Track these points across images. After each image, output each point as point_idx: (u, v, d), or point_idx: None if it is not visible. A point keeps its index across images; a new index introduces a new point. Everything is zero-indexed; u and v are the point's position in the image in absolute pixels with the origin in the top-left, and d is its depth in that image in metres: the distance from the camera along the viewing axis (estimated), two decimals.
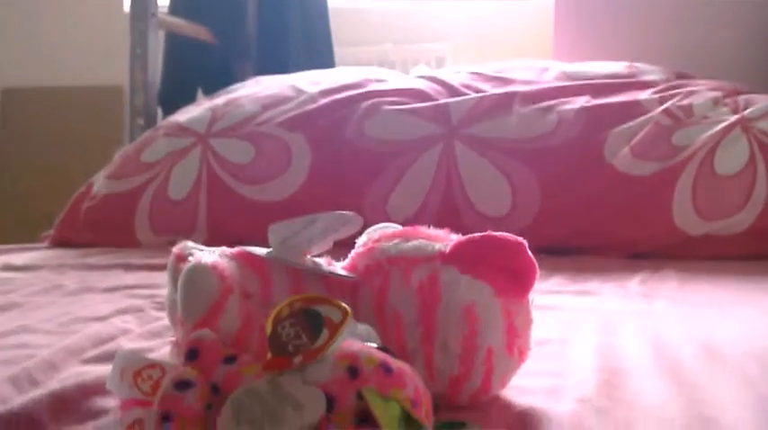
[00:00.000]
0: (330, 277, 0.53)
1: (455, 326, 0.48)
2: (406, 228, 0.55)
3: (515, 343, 0.50)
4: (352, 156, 1.25)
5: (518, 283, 0.50)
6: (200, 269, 0.49)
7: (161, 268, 0.87)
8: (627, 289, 0.91)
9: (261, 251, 0.54)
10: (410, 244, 0.52)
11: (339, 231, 0.54)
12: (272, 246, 0.53)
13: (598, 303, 0.84)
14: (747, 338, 0.67)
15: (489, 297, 0.48)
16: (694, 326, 0.71)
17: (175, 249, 0.55)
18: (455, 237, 0.52)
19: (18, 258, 1.13)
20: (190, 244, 0.55)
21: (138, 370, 0.45)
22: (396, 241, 0.53)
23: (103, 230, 1.29)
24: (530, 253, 0.49)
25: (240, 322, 0.49)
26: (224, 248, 0.54)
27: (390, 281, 0.51)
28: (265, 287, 0.52)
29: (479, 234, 0.50)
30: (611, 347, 0.64)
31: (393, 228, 0.56)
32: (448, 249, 0.50)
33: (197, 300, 0.49)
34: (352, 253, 0.55)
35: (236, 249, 0.54)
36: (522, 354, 0.51)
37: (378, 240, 0.54)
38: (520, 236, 0.50)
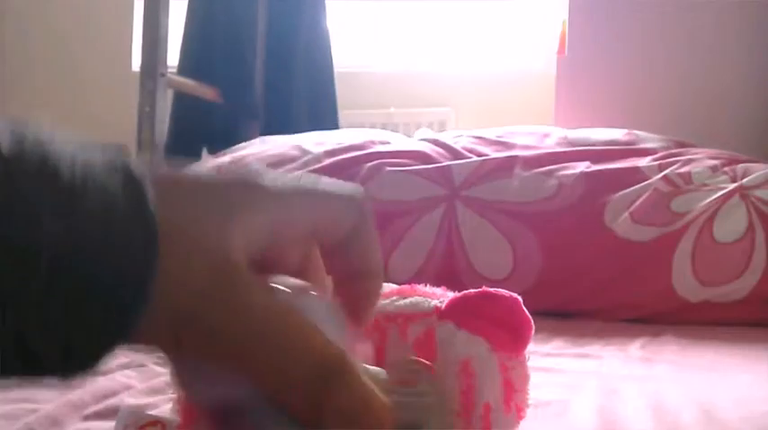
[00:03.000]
0: None
1: (452, 382, 0.48)
2: (403, 286, 0.55)
3: (513, 399, 0.50)
4: None
5: (514, 339, 0.50)
6: None
7: None
8: (627, 353, 0.92)
9: None
10: (407, 301, 0.52)
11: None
12: None
13: (599, 367, 0.85)
14: (745, 403, 0.67)
15: (486, 352, 0.49)
16: (694, 391, 0.71)
17: None
18: (451, 294, 0.53)
19: None
20: None
21: (141, 426, 0.46)
22: (392, 298, 0.53)
23: None
24: (525, 308, 0.50)
25: None
26: None
27: (388, 337, 0.51)
28: None
29: (475, 290, 0.51)
30: (611, 410, 0.64)
31: (390, 287, 0.56)
32: (444, 305, 0.51)
33: None
34: None
35: None
36: (519, 411, 0.51)
37: None
38: (520, 298, 0.51)
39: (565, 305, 1.16)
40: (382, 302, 0.53)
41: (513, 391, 0.50)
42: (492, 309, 0.50)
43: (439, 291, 0.54)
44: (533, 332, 0.50)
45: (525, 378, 0.51)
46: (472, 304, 0.50)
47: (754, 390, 0.74)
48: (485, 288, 0.50)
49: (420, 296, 0.53)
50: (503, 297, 0.50)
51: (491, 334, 0.49)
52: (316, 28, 2.24)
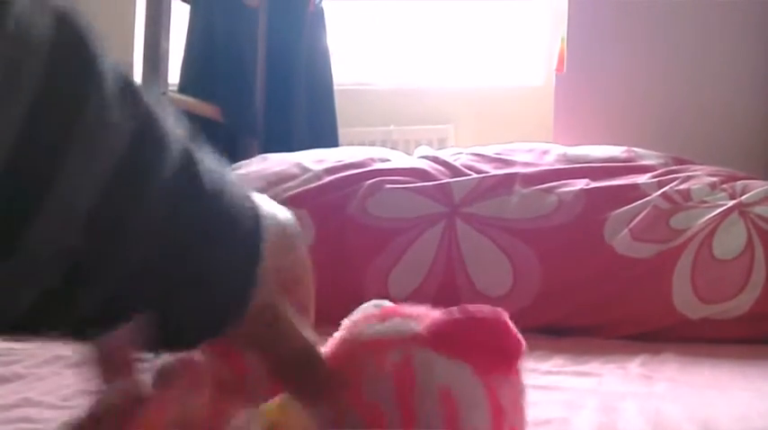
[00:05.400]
0: None
1: (434, 410, 0.45)
2: (387, 306, 0.52)
3: (504, 422, 0.47)
4: (354, 233, 1.26)
5: (500, 359, 0.47)
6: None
7: None
8: (627, 370, 0.92)
9: None
10: (385, 325, 0.49)
11: None
12: None
13: (598, 384, 0.84)
14: (745, 420, 0.67)
15: (468, 377, 0.45)
16: (694, 409, 0.71)
17: None
18: (435, 313, 0.51)
19: None
20: None
21: None
22: (370, 323, 0.51)
23: None
24: (511, 324, 0.46)
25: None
26: None
27: (365, 368, 0.47)
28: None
29: (455, 309, 0.47)
30: (611, 428, 0.64)
31: (382, 305, 0.54)
32: (422, 328, 0.47)
33: None
34: (335, 335, 0.54)
35: None
36: None
37: (355, 324, 0.51)
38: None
39: (564, 321, 1.16)
40: (360, 327, 0.50)
41: (502, 414, 0.46)
42: (472, 331, 0.47)
43: (422, 310, 0.51)
44: (524, 348, 0.48)
45: (517, 398, 0.48)
46: (451, 326, 0.47)
47: (753, 407, 0.74)
48: (464, 305, 0.47)
49: (400, 317, 0.49)
50: (482, 318, 0.47)
51: (474, 356, 0.46)
52: (315, 46, 2.25)
